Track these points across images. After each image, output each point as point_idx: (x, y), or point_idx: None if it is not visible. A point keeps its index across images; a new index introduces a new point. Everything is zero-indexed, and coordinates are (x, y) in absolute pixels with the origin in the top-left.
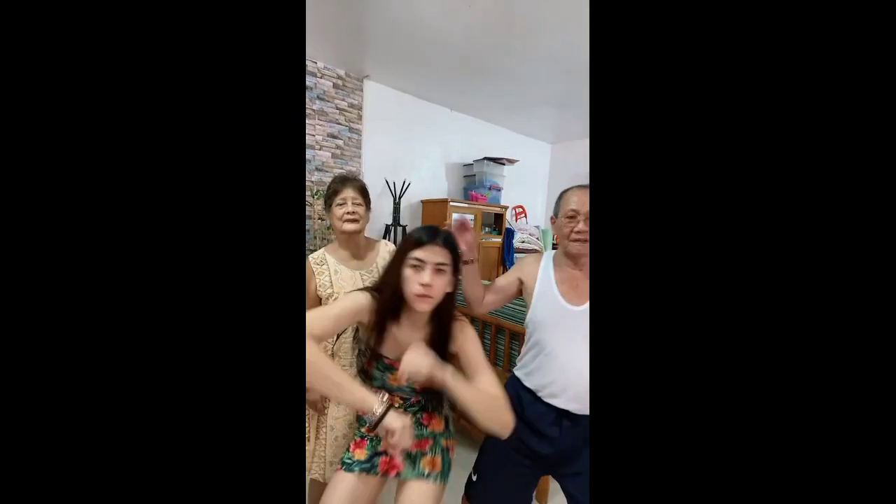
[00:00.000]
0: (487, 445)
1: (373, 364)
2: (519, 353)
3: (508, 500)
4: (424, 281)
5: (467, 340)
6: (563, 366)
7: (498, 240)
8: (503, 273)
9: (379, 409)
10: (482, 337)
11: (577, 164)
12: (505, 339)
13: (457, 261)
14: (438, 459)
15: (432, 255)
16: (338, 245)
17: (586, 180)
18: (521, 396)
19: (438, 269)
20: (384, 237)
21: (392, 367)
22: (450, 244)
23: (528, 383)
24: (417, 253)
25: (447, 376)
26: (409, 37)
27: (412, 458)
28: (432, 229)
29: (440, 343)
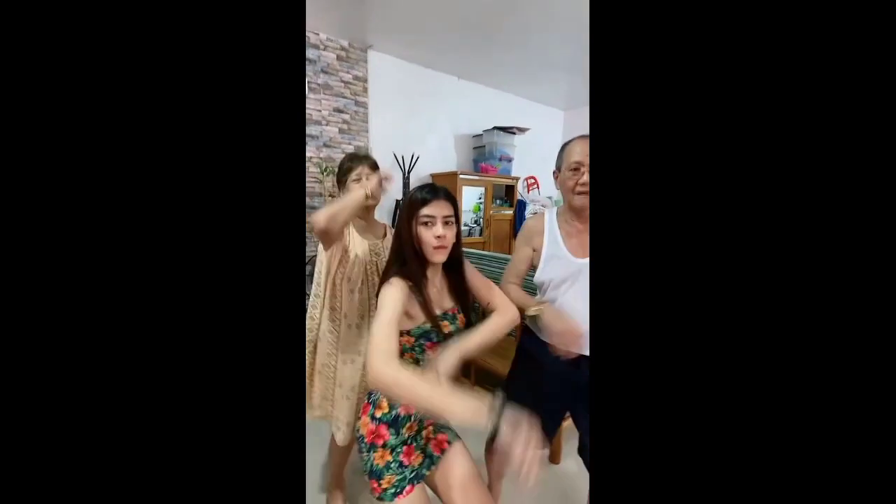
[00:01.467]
0: (509, 391)
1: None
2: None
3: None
4: (438, 233)
5: (473, 276)
6: (575, 317)
7: (509, 212)
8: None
9: (491, 422)
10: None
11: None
12: None
13: (457, 212)
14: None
15: (439, 209)
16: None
17: None
18: (539, 350)
19: (446, 221)
20: (395, 212)
21: (449, 314)
22: (450, 197)
23: (544, 337)
24: (426, 210)
25: (459, 351)
26: (411, 4)
27: (445, 426)
28: (432, 187)
29: (460, 285)
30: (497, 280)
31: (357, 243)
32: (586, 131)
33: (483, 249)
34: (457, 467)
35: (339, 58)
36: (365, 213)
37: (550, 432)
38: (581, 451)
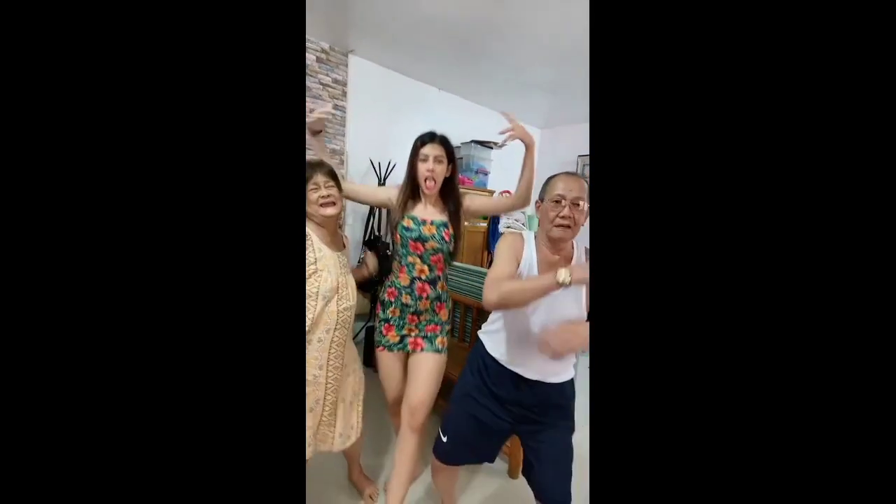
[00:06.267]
0: (453, 407)
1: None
2: (479, 328)
3: (476, 457)
4: (429, 167)
5: (473, 201)
6: (533, 343)
7: (483, 225)
8: (489, 257)
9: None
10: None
11: (566, 150)
12: (461, 312)
13: (451, 153)
14: (446, 339)
15: (432, 149)
16: (317, 224)
17: (574, 167)
18: (485, 361)
19: (437, 160)
20: (369, 218)
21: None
22: (444, 142)
23: (493, 353)
24: (423, 149)
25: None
26: (396, 11)
27: (429, 338)
28: (431, 133)
29: (456, 211)
30: (471, 294)
31: (328, 257)
32: (562, 149)
33: (456, 261)
34: (421, 362)
35: (318, 60)
36: (326, 222)
37: (491, 450)
38: (526, 472)
